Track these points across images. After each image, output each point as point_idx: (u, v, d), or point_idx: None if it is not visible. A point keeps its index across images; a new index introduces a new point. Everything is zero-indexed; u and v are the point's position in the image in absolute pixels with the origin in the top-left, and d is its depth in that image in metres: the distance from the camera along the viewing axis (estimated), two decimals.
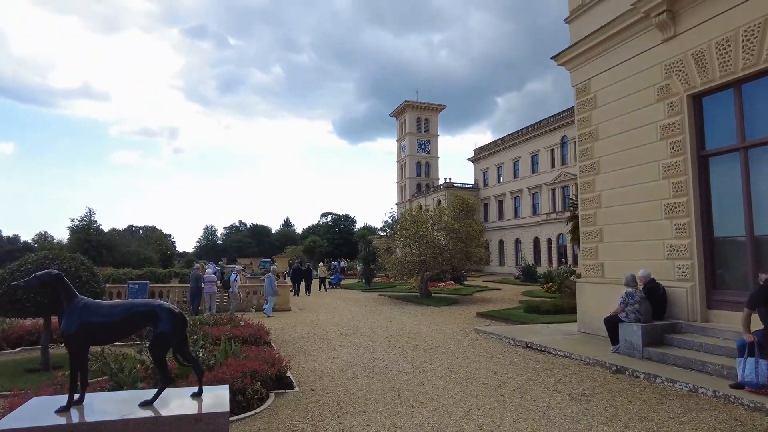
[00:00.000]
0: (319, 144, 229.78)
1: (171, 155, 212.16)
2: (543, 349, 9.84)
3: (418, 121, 79.29)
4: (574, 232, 37.67)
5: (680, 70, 9.16)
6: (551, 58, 12.58)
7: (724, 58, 8.34)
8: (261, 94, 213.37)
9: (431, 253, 20.65)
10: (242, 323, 11.38)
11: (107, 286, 17.59)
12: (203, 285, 17.83)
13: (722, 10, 8.34)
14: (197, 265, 19.72)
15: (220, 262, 48.05)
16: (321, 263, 36.81)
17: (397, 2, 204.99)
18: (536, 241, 56.04)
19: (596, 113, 11.34)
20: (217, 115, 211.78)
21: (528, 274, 37.49)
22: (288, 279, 28.14)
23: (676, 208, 9.14)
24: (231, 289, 18.20)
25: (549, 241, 53.84)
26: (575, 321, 13.20)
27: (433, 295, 22.90)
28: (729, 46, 8.26)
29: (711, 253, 8.82)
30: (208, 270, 18.76)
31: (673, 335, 8.57)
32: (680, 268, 9.03)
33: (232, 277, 18.60)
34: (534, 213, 57.13)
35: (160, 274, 28.43)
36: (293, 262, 29.31)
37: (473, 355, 9.75)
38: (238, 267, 22.82)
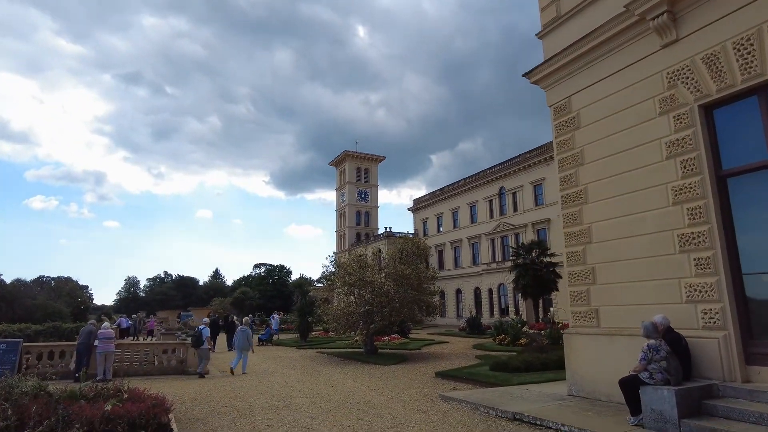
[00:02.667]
0: (254, 195, 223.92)
1: (95, 202, 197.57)
2: (538, 423, 7.54)
3: (357, 170, 78.31)
4: (517, 281, 36.92)
5: (688, 78, 7.78)
6: (523, 76, 11.13)
7: (746, 59, 7.01)
8: (195, 142, 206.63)
9: (378, 303, 18.14)
10: (125, 396, 8.18)
11: None
12: (97, 343, 14.18)
13: (741, 5, 7.09)
14: (92, 321, 15.94)
15: (134, 316, 42.57)
16: (248, 317, 32.94)
17: (337, 62, 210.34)
18: (477, 291, 54.98)
19: (580, 134, 9.81)
20: (148, 162, 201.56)
21: (474, 326, 35.66)
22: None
23: (694, 238, 7.47)
24: (204, 346, 15.38)
25: (490, 291, 52.91)
26: (557, 380, 11.14)
27: (379, 351, 20.17)
28: (751, 45, 6.96)
29: (743, 294, 7.13)
30: (105, 325, 15.07)
31: (711, 401, 6.59)
32: (706, 314, 7.23)
33: (203, 331, 15.68)
34: (474, 263, 56.44)
35: (65, 330, 24.10)
36: (213, 316, 25.56)
37: None
38: (205, 320, 19.27)
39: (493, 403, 8.86)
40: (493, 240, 53.61)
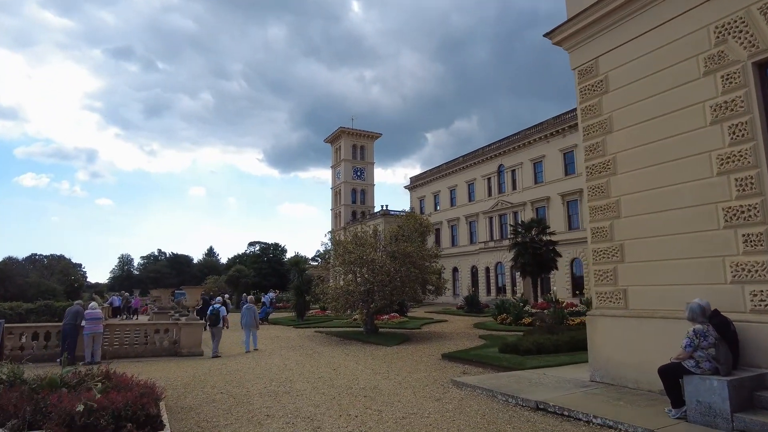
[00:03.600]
0: (247, 172, 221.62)
1: (88, 180, 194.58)
2: (565, 414, 6.88)
3: (353, 148, 76.98)
4: (516, 259, 36.36)
5: (741, 32, 6.91)
6: (545, 36, 10.19)
7: None
8: (188, 119, 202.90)
9: (379, 282, 17.43)
10: (112, 383, 7.41)
11: None
12: (84, 324, 13.40)
13: None
14: (79, 301, 15.12)
15: (125, 293, 41.81)
16: (251, 296, 32.34)
17: (331, 38, 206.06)
18: (474, 270, 54.61)
19: (608, 99, 8.95)
20: (140, 139, 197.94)
21: (472, 304, 35.27)
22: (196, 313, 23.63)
23: (743, 212, 6.71)
24: (219, 325, 15.17)
25: (487, 269, 52.56)
26: (573, 364, 10.55)
27: (379, 330, 19.56)
28: None
29: None
30: (93, 305, 14.26)
31: (764, 393, 5.93)
32: (756, 295, 6.52)
33: (220, 309, 15.41)
34: (471, 241, 55.93)
35: (57, 308, 23.22)
36: (204, 295, 24.83)
37: (469, 428, 6.57)
38: (218, 299, 18.90)
39: (511, 390, 8.20)
40: (491, 218, 52.99)
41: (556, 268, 35.76)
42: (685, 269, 7.41)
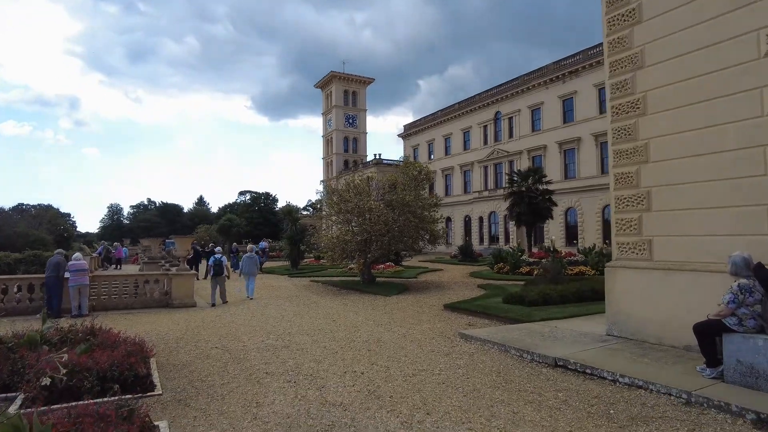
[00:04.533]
0: (236, 120, 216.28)
1: (72, 128, 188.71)
2: (588, 372, 6.44)
3: (345, 93, 74.50)
4: (512, 209, 35.87)
5: None
6: None
7: None
8: (174, 65, 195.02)
9: (376, 231, 16.81)
10: (90, 341, 6.82)
11: None
12: (68, 275, 12.73)
13: None
14: (60, 250, 14.35)
15: (105, 242, 41.03)
16: (235, 243, 31.93)
17: None
18: (467, 219, 54.42)
19: (641, 30, 8.00)
20: (125, 86, 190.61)
21: (466, 254, 35.14)
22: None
23: None
24: (223, 274, 15.27)
25: (480, 219, 52.35)
26: (583, 316, 10.19)
27: (376, 280, 19.19)
28: None
29: None
30: (77, 255, 13.53)
31: None
32: None
33: (223, 259, 15.63)
34: (465, 191, 55.38)
35: (46, 258, 22.56)
36: (195, 245, 24.20)
37: (485, 387, 6.10)
38: (218, 248, 18.75)
39: (524, 344, 7.76)
40: (486, 167, 52.19)
41: (551, 218, 35.38)
42: (722, 218, 6.80)
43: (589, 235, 39.04)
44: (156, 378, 6.52)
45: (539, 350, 7.31)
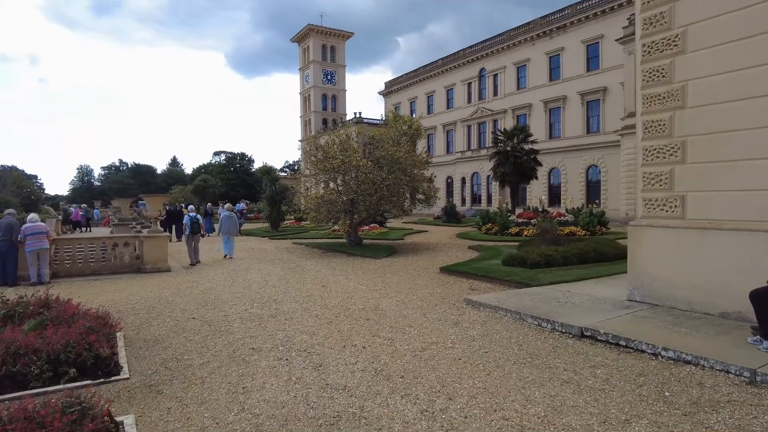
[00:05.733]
0: (209, 77, 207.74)
1: (34, 85, 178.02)
2: (621, 344, 5.69)
3: (323, 48, 71.31)
4: (497, 169, 35.11)
5: None
6: None
7: None
8: (141, 19, 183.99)
9: (365, 191, 15.76)
10: (43, 314, 5.72)
11: None
12: (25, 240, 11.40)
13: None
14: (11, 210, 12.91)
15: (62, 204, 38.97)
16: (209, 204, 30.54)
17: None
18: (449, 180, 53.62)
19: None
20: (88, 40, 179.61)
21: (450, 215, 34.46)
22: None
23: None
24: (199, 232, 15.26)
25: (463, 179, 51.64)
26: (592, 278, 9.53)
27: (363, 242, 18.29)
28: None
29: None
30: (32, 216, 12.14)
31: None
32: None
33: (198, 218, 15.52)
34: (448, 151, 54.34)
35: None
36: (167, 206, 22.79)
37: (509, 364, 5.30)
38: (191, 207, 18.20)
39: (541, 312, 6.99)
40: (469, 127, 51.06)
41: (536, 178, 34.81)
42: None
43: (573, 196, 38.72)
44: (123, 358, 5.52)
45: (560, 318, 6.54)
